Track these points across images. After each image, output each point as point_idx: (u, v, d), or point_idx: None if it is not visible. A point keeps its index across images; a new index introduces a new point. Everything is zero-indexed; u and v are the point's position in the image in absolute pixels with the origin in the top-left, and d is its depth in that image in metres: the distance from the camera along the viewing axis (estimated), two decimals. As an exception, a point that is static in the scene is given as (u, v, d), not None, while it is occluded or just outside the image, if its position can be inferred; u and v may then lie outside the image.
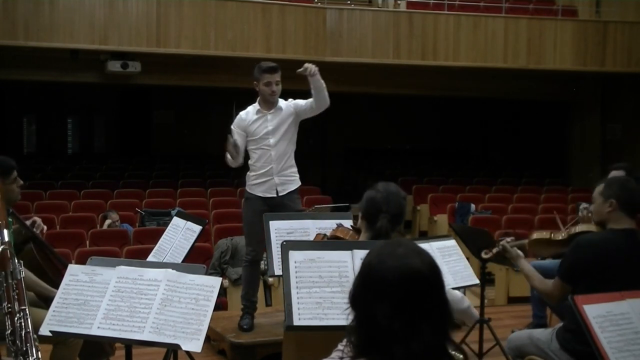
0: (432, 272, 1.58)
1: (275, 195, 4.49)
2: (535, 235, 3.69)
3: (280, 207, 4.40)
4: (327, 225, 3.58)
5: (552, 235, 3.61)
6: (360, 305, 1.59)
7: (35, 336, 2.33)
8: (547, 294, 3.27)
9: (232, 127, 4.49)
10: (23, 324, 2.29)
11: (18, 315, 2.30)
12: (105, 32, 9.41)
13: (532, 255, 5.06)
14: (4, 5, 8.98)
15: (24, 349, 2.26)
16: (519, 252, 3.47)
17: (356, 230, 3.10)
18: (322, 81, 4.35)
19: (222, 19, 9.86)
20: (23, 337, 2.27)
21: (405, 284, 1.54)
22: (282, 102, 4.56)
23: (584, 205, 4.75)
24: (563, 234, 3.56)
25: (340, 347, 1.75)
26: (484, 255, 3.83)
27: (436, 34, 10.82)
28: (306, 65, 4.29)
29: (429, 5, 11.54)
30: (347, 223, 3.24)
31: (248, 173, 4.59)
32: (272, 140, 4.48)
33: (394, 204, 2.91)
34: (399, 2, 11.77)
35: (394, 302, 1.52)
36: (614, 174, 4.56)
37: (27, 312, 2.32)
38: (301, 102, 4.54)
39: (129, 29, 9.49)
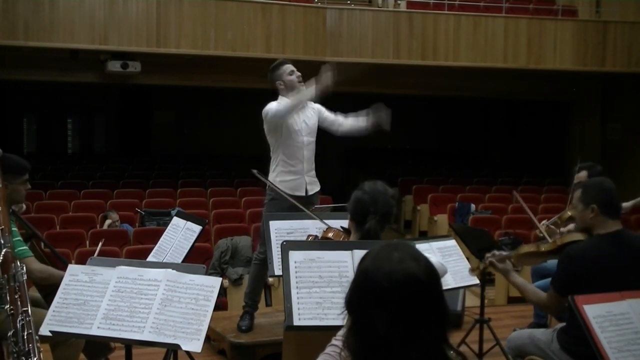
0: (429, 277, 1.52)
1: (304, 195, 4.40)
2: (522, 249, 3.60)
3: (308, 206, 4.26)
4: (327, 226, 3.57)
5: (539, 247, 3.54)
6: (358, 311, 1.54)
7: (37, 337, 2.34)
8: (544, 307, 3.21)
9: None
10: (25, 325, 2.30)
11: (21, 317, 2.31)
12: (105, 32, 9.41)
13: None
14: (4, 5, 8.98)
15: (27, 349, 2.28)
16: (508, 265, 3.35)
17: (346, 231, 3.09)
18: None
19: (222, 19, 9.85)
20: (25, 338, 2.28)
21: (402, 291, 1.48)
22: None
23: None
24: (549, 245, 3.48)
25: (334, 342, 1.71)
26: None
27: (436, 34, 10.82)
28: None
29: (429, 5, 11.53)
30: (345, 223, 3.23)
31: (275, 167, 4.43)
32: (305, 139, 4.42)
33: (381, 203, 2.90)
34: (399, 2, 11.76)
35: (393, 310, 1.47)
36: (579, 176, 4.52)
37: (30, 313, 2.33)
38: (324, 110, 4.51)
39: (129, 29, 9.49)
